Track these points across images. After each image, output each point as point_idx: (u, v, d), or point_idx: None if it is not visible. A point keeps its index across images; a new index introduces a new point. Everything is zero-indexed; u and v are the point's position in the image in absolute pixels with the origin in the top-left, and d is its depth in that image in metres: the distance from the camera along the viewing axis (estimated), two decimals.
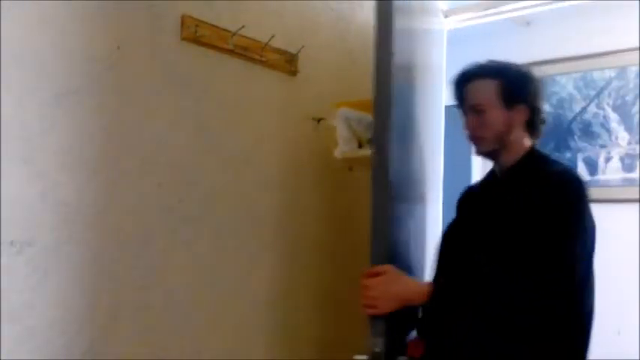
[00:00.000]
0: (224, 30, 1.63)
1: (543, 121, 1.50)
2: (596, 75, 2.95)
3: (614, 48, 2.86)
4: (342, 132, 1.74)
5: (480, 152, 1.49)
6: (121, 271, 1.42)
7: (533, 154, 1.46)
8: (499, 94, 1.45)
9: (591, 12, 2.84)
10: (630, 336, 2.42)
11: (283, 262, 1.80)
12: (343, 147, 1.74)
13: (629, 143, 2.82)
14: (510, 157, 1.45)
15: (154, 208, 1.49)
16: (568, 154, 2.92)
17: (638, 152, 2.80)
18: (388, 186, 1.37)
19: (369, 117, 1.68)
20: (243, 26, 1.64)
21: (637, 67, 2.83)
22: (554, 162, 1.45)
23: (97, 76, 1.39)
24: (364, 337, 1.28)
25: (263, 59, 1.73)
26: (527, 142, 1.46)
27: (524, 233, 1.29)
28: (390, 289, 1.31)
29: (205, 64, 1.61)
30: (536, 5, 2.30)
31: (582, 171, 2.86)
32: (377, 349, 1.26)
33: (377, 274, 1.32)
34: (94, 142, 1.38)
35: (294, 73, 1.83)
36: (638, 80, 2.85)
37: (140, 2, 1.47)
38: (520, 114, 1.45)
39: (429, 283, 1.36)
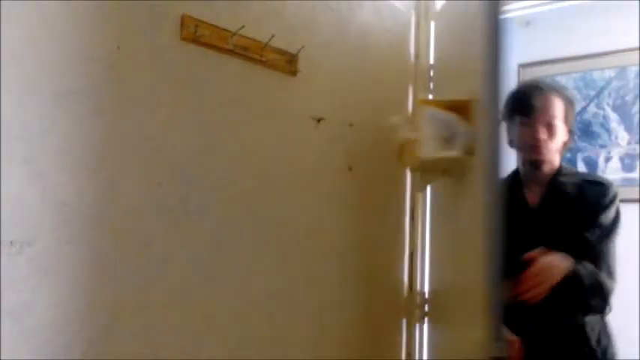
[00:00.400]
0: (224, 30, 1.63)
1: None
2: (596, 75, 2.95)
3: (614, 48, 2.87)
4: (428, 132, 1.72)
5: (536, 160, 1.78)
6: (121, 271, 1.42)
7: (561, 165, 1.83)
8: (565, 113, 1.76)
9: (591, 12, 2.84)
10: (630, 336, 2.42)
11: (283, 262, 1.80)
12: (429, 147, 1.72)
13: (629, 143, 2.83)
14: (549, 167, 1.80)
15: (154, 208, 1.49)
16: (568, 154, 2.93)
17: (637, 152, 2.80)
18: (498, 189, 1.48)
19: (450, 117, 1.69)
20: (243, 26, 1.64)
21: (637, 67, 2.84)
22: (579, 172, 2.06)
23: (97, 75, 1.39)
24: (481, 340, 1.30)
25: (263, 59, 1.73)
26: None
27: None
28: (559, 267, 1.58)
29: (205, 64, 1.61)
30: (536, 5, 2.30)
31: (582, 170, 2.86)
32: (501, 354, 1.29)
33: (534, 259, 1.57)
34: (94, 142, 1.38)
35: (294, 73, 1.83)
36: (638, 80, 2.86)
37: (140, 2, 1.47)
38: (566, 133, 1.80)
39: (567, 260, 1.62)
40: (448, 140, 1.69)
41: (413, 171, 1.94)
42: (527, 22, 3.11)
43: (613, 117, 2.88)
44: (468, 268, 1.56)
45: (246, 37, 1.68)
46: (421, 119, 1.71)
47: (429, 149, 1.70)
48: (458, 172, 1.72)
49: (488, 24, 1.49)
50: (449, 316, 1.90)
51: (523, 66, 3.28)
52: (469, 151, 1.64)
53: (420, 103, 1.77)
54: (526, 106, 1.77)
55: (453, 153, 1.65)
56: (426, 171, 1.83)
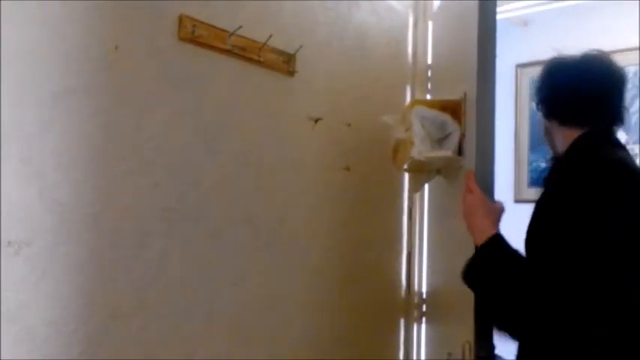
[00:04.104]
0: (222, 30, 1.63)
1: None
2: None
3: (614, 48, 2.86)
4: (417, 131, 1.69)
5: None
6: (119, 272, 1.42)
7: None
8: None
9: (590, 12, 2.84)
10: None
11: (281, 262, 1.80)
12: (420, 147, 1.68)
13: (628, 143, 2.83)
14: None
15: (152, 209, 1.49)
16: None
17: (637, 152, 2.80)
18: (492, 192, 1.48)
19: (442, 116, 1.69)
20: (240, 26, 1.65)
21: (636, 67, 2.83)
22: None
23: (95, 75, 1.40)
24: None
25: (261, 59, 1.73)
26: None
27: None
28: (476, 213, 1.37)
29: (203, 64, 1.61)
30: (534, 5, 2.31)
31: None
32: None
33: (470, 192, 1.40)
34: (92, 142, 1.39)
35: (291, 73, 1.83)
36: (637, 80, 2.85)
37: (138, 2, 1.47)
38: None
39: (494, 233, 1.33)
40: (440, 140, 1.69)
41: (407, 171, 1.93)
42: (525, 22, 3.11)
43: None
44: None
45: (244, 37, 1.68)
46: (411, 119, 1.70)
47: (420, 149, 1.67)
48: (452, 172, 1.71)
49: (481, 23, 1.49)
50: (446, 316, 1.91)
51: (521, 66, 3.28)
52: (461, 152, 1.64)
53: (412, 103, 1.76)
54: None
55: (446, 153, 1.64)
56: (420, 171, 1.83)
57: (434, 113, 1.70)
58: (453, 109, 1.69)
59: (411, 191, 2.18)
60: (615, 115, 1.34)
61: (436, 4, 2.26)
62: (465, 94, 1.63)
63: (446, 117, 1.68)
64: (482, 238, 1.33)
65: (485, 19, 1.51)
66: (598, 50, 1.41)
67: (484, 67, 1.50)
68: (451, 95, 1.75)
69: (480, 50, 1.50)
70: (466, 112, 1.62)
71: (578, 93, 1.35)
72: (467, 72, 1.61)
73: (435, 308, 2.08)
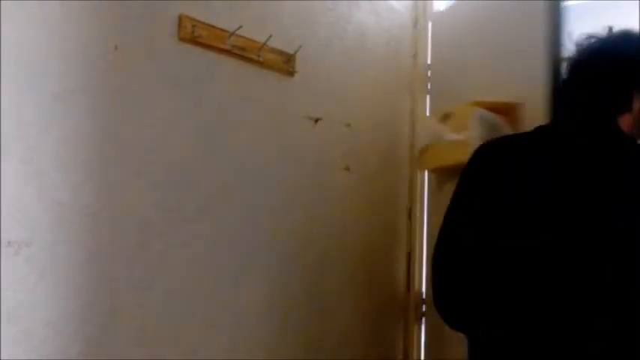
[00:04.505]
0: (221, 30, 1.63)
1: None
2: None
3: None
4: (476, 133, 1.68)
5: None
6: (118, 272, 1.42)
7: None
8: None
9: (590, 12, 2.84)
10: None
11: (281, 262, 1.80)
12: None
13: None
14: None
15: (151, 209, 1.49)
16: None
17: None
18: None
19: (497, 119, 1.68)
20: (240, 26, 1.65)
21: None
22: None
23: (95, 76, 1.39)
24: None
25: (260, 59, 1.73)
26: None
27: None
28: None
29: (203, 64, 1.61)
30: None
31: None
32: None
33: None
34: (92, 142, 1.39)
35: (291, 73, 1.83)
36: None
37: (138, 2, 1.47)
38: None
39: None
40: None
41: (431, 172, 1.91)
42: None
43: None
44: None
45: (244, 38, 1.68)
46: (471, 120, 1.67)
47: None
48: None
49: (549, 25, 1.48)
50: None
51: None
52: None
53: (471, 104, 1.73)
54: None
55: None
56: (444, 173, 1.81)
57: (493, 116, 1.68)
58: (506, 111, 1.68)
59: (432, 192, 2.16)
60: None
61: (436, 4, 2.27)
62: (518, 99, 1.62)
63: (500, 120, 1.67)
64: None
65: (554, 21, 1.52)
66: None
67: (553, 71, 1.50)
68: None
69: (548, 53, 1.48)
70: (523, 117, 1.62)
71: None
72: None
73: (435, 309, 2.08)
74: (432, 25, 2.25)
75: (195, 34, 1.57)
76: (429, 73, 2.24)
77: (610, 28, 1.34)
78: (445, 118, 1.79)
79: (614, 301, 1.12)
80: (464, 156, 1.63)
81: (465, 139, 1.69)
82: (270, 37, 1.73)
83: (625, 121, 1.26)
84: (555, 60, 1.68)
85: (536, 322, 1.16)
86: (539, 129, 1.27)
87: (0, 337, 1.22)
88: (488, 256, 1.20)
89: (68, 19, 1.35)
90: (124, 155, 1.44)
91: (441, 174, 2.04)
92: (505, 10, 1.95)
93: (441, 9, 2.27)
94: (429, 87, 2.24)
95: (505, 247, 1.18)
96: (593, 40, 1.33)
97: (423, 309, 2.17)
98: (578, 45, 1.34)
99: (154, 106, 1.50)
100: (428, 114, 2.12)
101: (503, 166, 1.23)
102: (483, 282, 1.22)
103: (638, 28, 1.41)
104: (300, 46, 1.82)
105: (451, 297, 1.27)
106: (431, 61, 2.24)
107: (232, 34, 1.65)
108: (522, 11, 1.96)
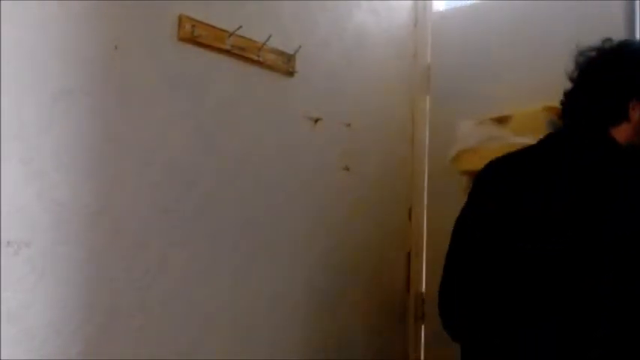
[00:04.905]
0: (221, 30, 1.63)
1: None
2: None
3: None
4: None
5: None
6: (118, 272, 1.42)
7: None
8: None
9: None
10: None
11: (280, 262, 1.80)
12: None
13: None
14: None
15: (151, 209, 1.49)
16: None
17: None
18: None
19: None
20: (240, 26, 1.65)
21: None
22: None
23: (94, 76, 1.40)
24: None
25: (260, 59, 1.73)
26: None
27: None
28: None
29: (202, 64, 1.61)
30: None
31: None
32: None
33: None
34: (91, 142, 1.39)
35: (291, 73, 1.83)
36: None
37: (137, 2, 1.47)
38: None
39: None
40: None
41: (465, 174, 1.89)
42: None
43: None
44: None
45: (244, 37, 1.68)
46: (545, 125, 1.61)
47: None
48: None
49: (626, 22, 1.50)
50: None
51: None
52: None
53: (541, 109, 1.70)
54: None
55: None
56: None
57: (559, 122, 1.66)
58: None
59: (463, 192, 2.14)
60: None
61: (436, 3, 2.26)
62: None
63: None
64: None
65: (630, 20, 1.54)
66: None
67: None
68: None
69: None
70: None
71: None
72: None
73: (435, 308, 2.08)
74: (432, 25, 2.25)
75: (194, 34, 1.57)
76: (429, 73, 2.24)
77: (609, 40, 1.36)
78: (502, 121, 1.77)
79: (614, 307, 1.14)
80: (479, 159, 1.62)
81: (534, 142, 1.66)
82: (270, 37, 1.73)
83: (622, 131, 1.28)
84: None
85: (537, 327, 1.17)
86: (547, 138, 1.35)
87: (0, 337, 1.22)
88: (496, 260, 1.25)
89: (68, 19, 1.35)
90: (124, 155, 1.44)
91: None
92: (505, 9, 1.95)
93: (441, 9, 2.27)
94: (429, 87, 2.24)
95: (513, 250, 1.22)
96: (592, 51, 1.35)
97: (424, 309, 2.17)
98: (579, 56, 1.36)
99: (153, 105, 1.50)
100: (468, 118, 2.02)
101: (515, 174, 1.30)
102: (485, 285, 1.25)
103: (638, 27, 1.43)
104: (300, 46, 1.82)
105: (453, 301, 1.33)
106: (431, 61, 2.24)
107: (232, 34, 1.65)
108: (521, 10, 1.97)
